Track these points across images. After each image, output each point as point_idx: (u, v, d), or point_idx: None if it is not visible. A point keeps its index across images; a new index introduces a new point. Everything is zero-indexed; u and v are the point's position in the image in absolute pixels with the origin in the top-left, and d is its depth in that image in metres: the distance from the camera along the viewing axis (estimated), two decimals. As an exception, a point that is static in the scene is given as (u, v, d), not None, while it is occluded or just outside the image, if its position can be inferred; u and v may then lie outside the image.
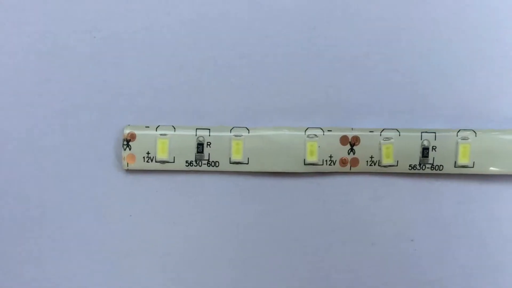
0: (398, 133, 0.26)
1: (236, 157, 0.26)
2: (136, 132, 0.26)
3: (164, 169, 0.26)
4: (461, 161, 0.26)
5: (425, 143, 0.26)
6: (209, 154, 0.26)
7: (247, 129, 0.26)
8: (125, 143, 0.26)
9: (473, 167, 0.26)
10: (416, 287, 0.26)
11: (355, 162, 0.26)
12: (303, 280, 0.26)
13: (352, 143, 0.26)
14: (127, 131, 0.26)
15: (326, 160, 0.26)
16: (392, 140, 0.26)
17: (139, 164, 0.26)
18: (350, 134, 0.26)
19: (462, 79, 0.26)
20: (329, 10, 0.26)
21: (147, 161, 0.26)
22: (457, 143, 0.26)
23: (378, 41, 0.26)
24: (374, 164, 0.26)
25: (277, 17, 0.26)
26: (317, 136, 0.26)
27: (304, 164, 0.26)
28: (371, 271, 0.26)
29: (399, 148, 0.26)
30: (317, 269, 0.26)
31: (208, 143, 0.26)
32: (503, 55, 0.26)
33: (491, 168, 0.26)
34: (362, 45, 0.26)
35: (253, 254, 0.26)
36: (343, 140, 0.26)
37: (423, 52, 0.26)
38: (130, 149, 0.26)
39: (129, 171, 0.27)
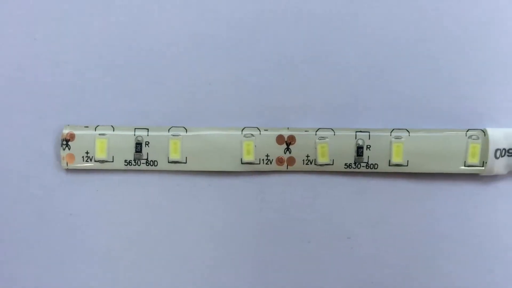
0: (333, 133, 0.26)
1: (174, 157, 0.26)
2: (75, 132, 0.26)
3: (103, 169, 0.27)
4: (395, 160, 0.26)
5: (360, 142, 0.26)
6: (147, 153, 0.26)
7: (185, 128, 0.26)
8: (64, 142, 0.26)
9: (407, 165, 0.26)
10: (352, 284, 0.27)
11: (291, 161, 0.26)
12: (240, 278, 0.27)
13: (288, 142, 0.26)
14: (66, 131, 0.26)
15: (263, 159, 0.26)
16: (327, 139, 0.26)
17: (78, 163, 0.26)
18: (286, 134, 0.26)
19: (395, 79, 0.26)
20: (257, 11, 0.26)
21: (86, 161, 0.26)
22: (390, 142, 0.26)
23: (313, 42, 0.26)
24: (310, 163, 0.26)
25: (207, 15, 0.26)
26: (254, 136, 0.26)
27: (241, 163, 0.26)
28: (308, 268, 0.27)
29: (334, 147, 0.26)
30: (254, 267, 0.27)
31: (147, 143, 0.26)
32: (435, 55, 0.26)
33: (425, 167, 0.26)
34: (297, 46, 0.26)
35: (191, 253, 0.27)
36: (279, 139, 0.26)
37: (358, 53, 0.26)
38: (69, 149, 0.26)
39: (69, 170, 0.27)
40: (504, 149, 0.26)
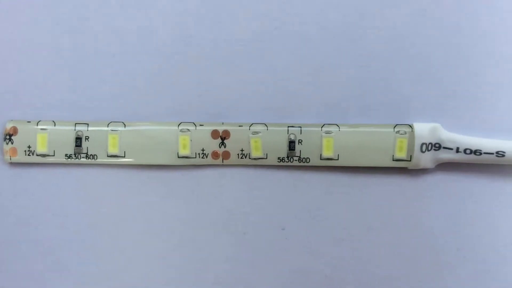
0: (266, 128, 0.27)
1: (112, 151, 0.27)
2: (18, 126, 0.27)
3: (45, 162, 0.27)
4: (326, 154, 0.27)
5: (292, 137, 0.27)
6: (87, 147, 0.27)
7: (124, 123, 0.27)
8: (7, 137, 0.27)
9: (338, 159, 0.27)
10: (287, 274, 0.28)
11: (226, 155, 0.27)
12: (175, 271, 0.27)
13: (222, 137, 0.27)
14: (9, 126, 0.27)
15: (199, 153, 0.27)
16: (260, 134, 0.27)
17: (21, 157, 0.27)
18: (220, 129, 0.27)
19: (326, 76, 0.27)
20: (194, 9, 0.27)
21: (28, 155, 0.27)
22: (321, 137, 0.27)
23: (247, 37, 0.27)
24: (245, 157, 0.27)
25: (142, 11, 0.27)
26: (190, 131, 0.27)
27: (178, 157, 0.27)
28: (244, 259, 0.28)
29: (267, 142, 0.27)
30: (189, 259, 0.28)
31: (87, 137, 0.27)
32: (365, 53, 0.27)
33: (355, 161, 0.27)
34: (231, 42, 0.27)
35: (131, 245, 0.28)
36: (214, 134, 0.27)
37: (291, 49, 0.27)
38: (12, 143, 0.27)
39: (13, 164, 0.28)
40: (430, 143, 0.26)
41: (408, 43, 0.27)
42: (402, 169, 0.27)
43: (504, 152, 0.26)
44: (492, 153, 0.26)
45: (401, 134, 0.27)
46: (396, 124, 0.27)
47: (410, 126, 0.27)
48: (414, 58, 0.27)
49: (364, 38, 0.27)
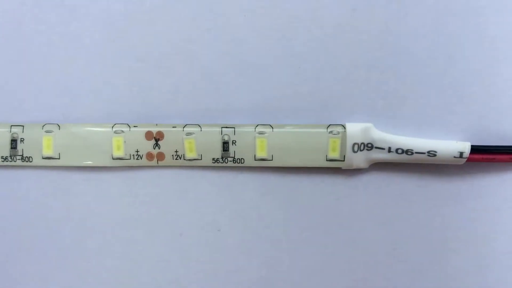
0: (200, 129, 0.27)
1: (47, 153, 0.27)
2: (-46, 129, 0.27)
3: (-19, 164, 0.28)
4: (260, 154, 0.27)
5: (225, 137, 0.27)
6: (22, 149, 0.27)
7: (58, 125, 0.27)
8: None
9: (272, 160, 0.27)
10: (223, 275, 0.28)
11: (161, 156, 0.27)
12: (112, 272, 0.28)
13: (156, 138, 0.27)
14: None
15: (133, 155, 0.27)
16: (194, 135, 0.27)
17: (-43, 159, 0.27)
18: (154, 130, 0.27)
19: (260, 77, 0.27)
20: (126, 10, 0.27)
21: (-35, 157, 0.27)
22: (255, 137, 0.27)
23: (178, 40, 0.27)
24: (180, 158, 0.27)
25: (79, 16, 0.27)
26: (123, 132, 0.27)
27: (112, 159, 0.27)
28: (179, 260, 0.28)
29: (201, 143, 0.27)
30: (126, 260, 0.28)
31: (22, 139, 0.27)
32: (298, 54, 0.27)
33: (289, 161, 0.27)
34: (163, 44, 0.27)
35: (66, 247, 0.28)
36: (148, 135, 0.27)
37: (223, 50, 0.27)
38: None
39: (-50, 166, 0.28)
40: (362, 143, 0.27)
41: (339, 43, 0.27)
42: (337, 169, 0.27)
43: (435, 152, 0.26)
44: (424, 153, 0.26)
45: (334, 134, 0.27)
46: (329, 125, 0.27)
47: (343, 126, 0.27)
48: (346, 58, 0.27)
49: (296, 39, 0.27)
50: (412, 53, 0.27)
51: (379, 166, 0.27)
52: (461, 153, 0.26)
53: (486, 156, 0.26)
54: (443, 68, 0.27)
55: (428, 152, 0.26)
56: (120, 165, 0.27)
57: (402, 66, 0.27)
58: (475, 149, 0.26)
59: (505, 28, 0.26)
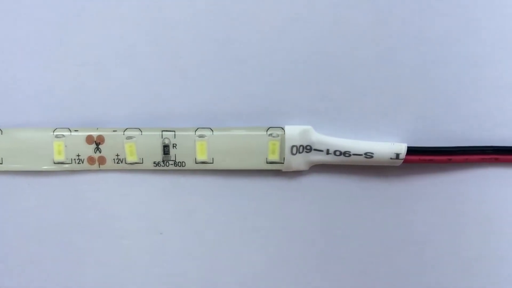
0: (140, 132, 0.27)
1: (-10, 158, 0.27)
2: None
3: None
4: (200, 157, 0.27)
5: (166, 141, 0.27)
6: (-34, 155, 0.28)
7: (1, 130, 0.27)
8: None
9: (212, 163, 0.27)
10: (165, 278, 0.28)
11: (102, 160, 0.27)
12: (53, 276, 0.28)
13: (97, 142, 0.27)
14: None
15: (74, 159, 0.27)
16: (134, 139, 0.27)
17: None
18: (95, 134, 0.27)
19: (200, 80, 0.27)
20: (64, 13, 0.27)
21: None
22: (195, 140, 0.27)
23: (118, 43, 0.27)
24: (121, 162, 0.27)
25: (19, 20, 0.28)
26: (64, 136, 0.27)
27: (54, 163, 0.27)
28: (122, 264, 0.28)
29: (142, 146, 0.27)
30: (68, 264, 0.28)
31: (-35, 145, 0.27)
32: (237, 55, 0.27)
33: (230, 164, 0.27)
34: (103, 47, 0.27)
35: (12, 251, 0.28)
36: (89, 139, 0.27)
37: (162, 53, 0.27)
38: None
39: None
40: (301, 145, 0.27)
41: (279, 46, 0.27)
42: (277, 171, 0.28)
43: (372, 153, 0.26)
44: (361, 154, 0.26)
45: (273, 137, 0.27)
46: (269, 127, 0.27)
47: (282, 128, 0.27)
48: (286, 61, 0.27)
49: (236, 42, 0.27)
50: (351, 56, 0.27)
51: (320, 168, 0.28)
52: (398, 155, 0.26)
53: (422, 157, 0.26)
54: (381, 70, 0.27)
55: (365, 153, 0.26)
56: (61, 170, 0.27)
57: (341, 69, 0.27)
58: (411, 150, 0.26)
59: (440, 30, 0.27)
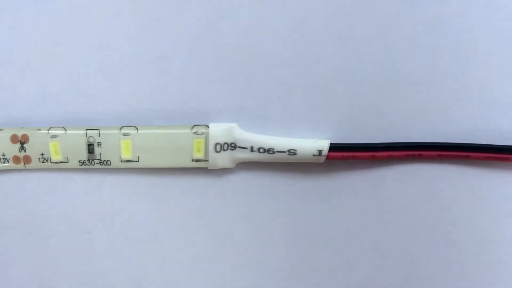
0: (65, 131, 0.27)
1: None
2: None
3: None
4: (125, 156, 0.27)
5: (90, 140, 0.27)
6: None
7: None
8: None
9: (138, 161, 0.27)
10: (92, 278, 0.28)
11: (27, 159, 0.27)
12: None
13: (22, 141, 0.27)
14: None
15: (0, 159, 0.27)
16: (58, 137, 0.27)
17: None
18: (19, 133, 0.27)
19: (122, 79, 0.27)
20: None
21: None
22: (119, 139, 0.27)
23: (43, 41, 0.27)
24: (46, 161, 0.27)
25: None
26: (-11, 136, 0.27)
27: (-21, 163, 0.27)
28: (49, 263, 0.28)
29: (66, 145, 0.27)
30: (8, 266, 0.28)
31: None
32: (162, 53, 0.27)
33: (155, 162, 0.27)
34: (27, 46, 0.27)
35: None
36: (13, 138, 0.27)
37: (88, 52, 0.27)
38: None
39: None
40: (225, 143, 0.27)
41: (204, 44, 0.27)
42: (204, 169, 0.27)
43: (295, 150, 0.26)
44: (285, 151, 0.26)
45: (198, 134, 0.27)
46: (194, 125, 0.27)
47: (207, 126, 0.27)
48: (212, 59, 0.27)
49: (161, 40, 0.27)
50: (277, 53, 0.27)
51: (246, 165, 0.28)
52: (320, 151, 0.26)
53: (345, 153, 0.27)
54: (306, 68, 0.27)
55: (289, 150, 0.26)
56: (-14, 169, 0.27)
57: (267, 67, 0.27)
58: (334, 147, 0.26)
59: (362, 27, 0.27)
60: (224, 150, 0.27)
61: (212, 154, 0.27)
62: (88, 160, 0.27)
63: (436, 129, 0.27)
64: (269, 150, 0.27)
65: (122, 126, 0.27)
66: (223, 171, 0.28)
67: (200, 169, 0.28)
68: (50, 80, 0.27)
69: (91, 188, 0.28)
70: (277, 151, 0.26)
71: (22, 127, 0.27)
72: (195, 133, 0.27)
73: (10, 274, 0.28)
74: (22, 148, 0.27)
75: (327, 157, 0.26)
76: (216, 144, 0.27)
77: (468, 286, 0.27)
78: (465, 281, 0.27)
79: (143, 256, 0.28)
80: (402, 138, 0.27)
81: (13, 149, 0.27)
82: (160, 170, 0.28)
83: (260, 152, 0.27)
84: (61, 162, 0.27)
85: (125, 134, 0.27)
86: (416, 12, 0.26)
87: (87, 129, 0.27)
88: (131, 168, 0.27)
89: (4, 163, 0.27)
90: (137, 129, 0.27)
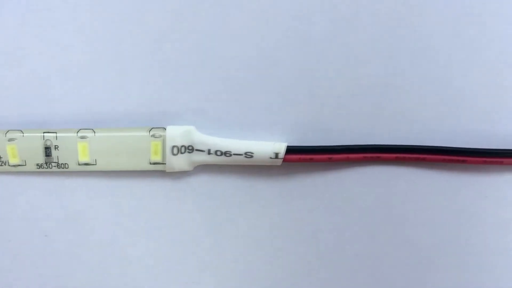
0: (22, 134, 0.27)
1: None
2: None
3: None
4: (82, 159, 0.27)
5: (48, 143, 0.27)
6: None
7: None
8: None
9: (95, 164, 0.27)
10: (52, 280, 0.28)
11: (-16, 163, 0.27)
12: None
13: (-21, 144, 0.27)
14: None
15: (-43, 162, 0.27)
16: (16, 140, 0.27)
17: None
18: (-24, 136, 0.27)
19: (81, 80, 0.27)
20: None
21: None
22: (76, 142, 0.27)
23: (4, 44, 0.27)
24: (4, 164, 0.27)
25: None
26: None
27: None
28: (7, 267, 0.27)
29: (24, 148, 0.27)
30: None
31: None
32: (122, 56, 0.27)
33: (113, 165, 0.27)
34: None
35: None
36: (-30, 142, 0.27)
37: (51, 55, 0.27)
38: None
39: None
40: (183, 146, 0.27)
41: (163, 46, 0.27)
42: (163, 172, 0.27)
43: (252, 153, 0.26)
44: (241, 154, 0.26)
45: (156, 137, 0.27)
46: (152, 128, 0.27)
47: (165, 129, 0.27)
48: (169, 62, 0.27)
49: (120, 42, 0.27)
50: (233, 56, 0.27)
51: (205, 168, 0.27)
52: (277, 154, 0.26)
53: (303, 156, 0.26)
54: (263, 70, 0.27)
55: (245, 153, 0.26)
56: None
57: (224, 69, 0.27)
58: (291, 150, 0.26)
59: (318, 30, 0.26)
60: (181, 153, 0.27)
61: (169, 157, 0.27)
62: (46, 163, 0.27)
63: (395, 131, 0.27)
64: (226, 153, 0.26)
65: (80, 129, 0.27)
66: (182, 173, 0.27)
67: (158, 172, 0.27)
68: (7, 82, 0.27)
69: (49, 191, 0.28)
70: (234, 154, 0.26)
71: (-20, 131, 0.27)
72: (153, 136, 0.27)
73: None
74: (-21, 151, 0.27)
75: (284, 159, 0.26)
76: (173, 147, 0.27)
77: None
78: (427, 283, 0.27)
79: (102, 259, 0.28)
80: (361, 140, 0.27)
81: (-30, 153, 0.27)
82: (118, 173, 0.27)
83: (217, 155, 0.27)
84: (19, 165, 0.27)
85: (82, 137, 0.27)
86: (382, 12, 0.26)
87: (44, 132, 0.27)
88: (88, 171, 0.27)
89: (-39, 166, 0.27)
90: (95, 132, 0.27)
